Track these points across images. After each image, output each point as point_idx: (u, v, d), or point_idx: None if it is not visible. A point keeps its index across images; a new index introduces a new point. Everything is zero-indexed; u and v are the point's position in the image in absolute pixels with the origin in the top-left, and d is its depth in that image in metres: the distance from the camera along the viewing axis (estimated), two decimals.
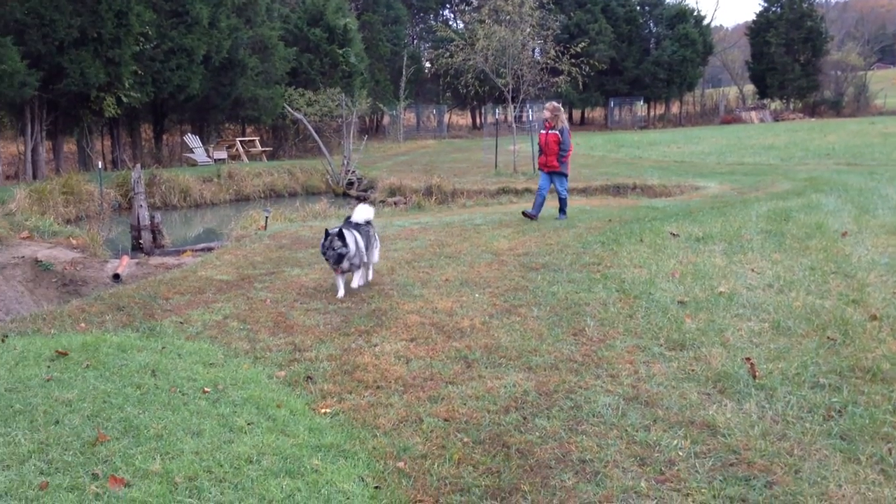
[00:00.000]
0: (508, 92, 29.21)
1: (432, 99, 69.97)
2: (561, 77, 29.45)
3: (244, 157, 37.38)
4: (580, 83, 30.86)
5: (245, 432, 5.19)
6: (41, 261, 13.95)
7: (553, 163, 14.70)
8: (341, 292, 9.11)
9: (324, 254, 8.93)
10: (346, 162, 31.36)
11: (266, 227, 16.22)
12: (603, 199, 21.42)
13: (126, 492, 4.23)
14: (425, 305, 8.59)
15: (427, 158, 36.27)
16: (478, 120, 71.73)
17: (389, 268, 10.66)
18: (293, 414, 5.59)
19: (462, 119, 77.33)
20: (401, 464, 4.82)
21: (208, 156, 35.48)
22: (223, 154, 36.28)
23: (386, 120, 60.72)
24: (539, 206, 14.99)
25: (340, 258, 8.83)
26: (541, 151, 15.07)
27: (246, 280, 10.49)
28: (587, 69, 29.73)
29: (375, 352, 7.08)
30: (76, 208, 22.18)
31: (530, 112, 39.76)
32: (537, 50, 31.70)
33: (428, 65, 63.71)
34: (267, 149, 40.33)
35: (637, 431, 5.22)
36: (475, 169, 29.12)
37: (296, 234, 14.76)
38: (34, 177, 27.58)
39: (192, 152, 35.29)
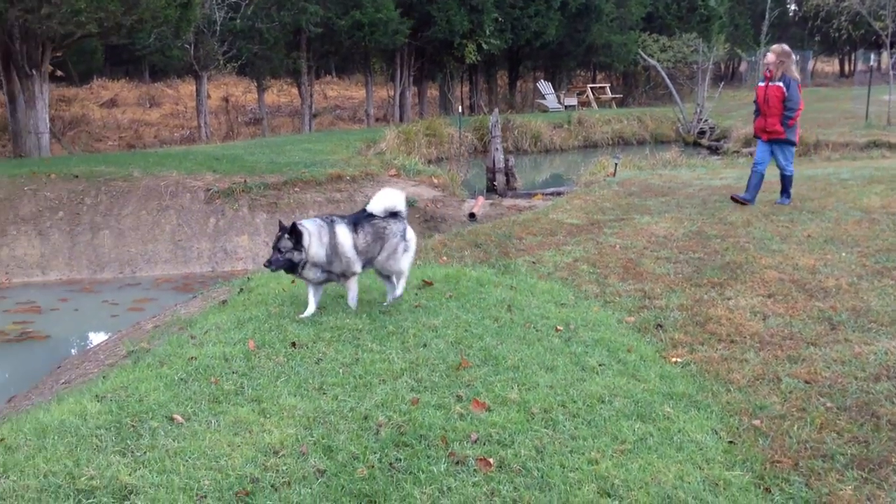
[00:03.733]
0: (887, 36, 26.43)
1: (796, 44, 65.01)
2: None
3: (594, 104, 37.51)
4: None
5: (596, 372, 5.27)
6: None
7: (776, 126, 11.07)
8: (310, 310, 6.39)
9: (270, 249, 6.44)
10: (698, 110, 30.33)
11: (615, 173, 16.20)
12: None
13: (487, 416, 4.49)
14: (784, 261, 8.13)
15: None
16: (846, 67, 65.90)
17: (745, 220, 10.22)
18: (643, 360, 5.58)
19: (828, 66, 71.46)
20: (756, 422, 4.64)
21: (559, 102, 36.08)
22: (573, 100, 36.70)
23: (743, 66, 57.67)
24: (755, 186, 11.56)
25: (290, 265, 6.15)
26: (757, 111, 11.41)
27: (595, 225, 10.58)
28: None
29: (729, 305, 6.84)
30: (437, 150, 23.60)
31: None
32: None
33: (794, 7, 59.43)
34: (617, 96, 40.16)
35: None
36: (842, 120, 26.83)
37: (645, 182, 14.59)
38: (401, 119, 29.87)
39: (544, 98, 36.06)
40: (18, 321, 9.97)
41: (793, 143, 11.27)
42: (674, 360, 5.64)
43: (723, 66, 54.73)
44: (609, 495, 3.71)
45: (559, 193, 15.62)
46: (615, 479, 3.83)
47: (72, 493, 3.57)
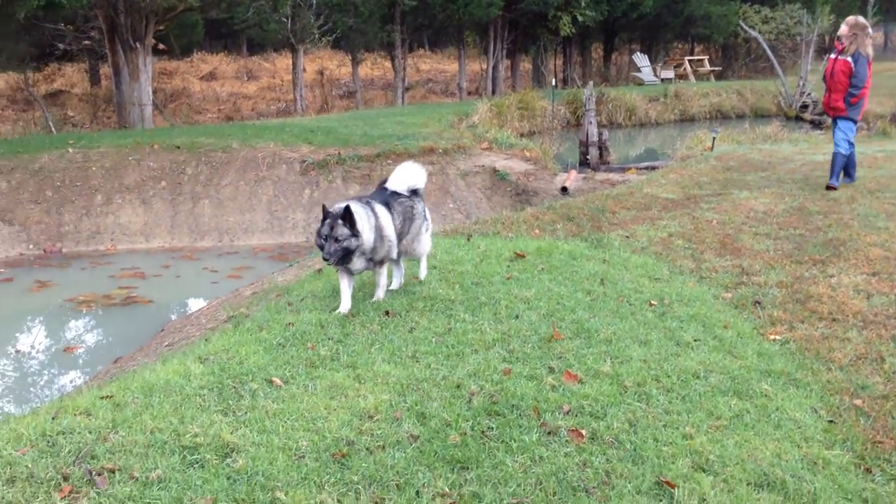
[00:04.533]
0: None
1: None
2: None
3: (691, 77, 36.63)
4: None
5: (691, 348, 5.20)
6: (498, 170, 15.06)
7: (838, 103, 10.37)
8: (345, 305, 5.80)
9: (319, 246, 5.61)
10: (801, 83, 29.32)
11: (713, 147, 15.84)
12: None
13: (579, 387, 4.48)
14: (890, 239, 7.85)
15: (894, 82, 32.63)
16: None
17: (849, 196, 9.89)
18: (740, 336, 5.48)
19: None
20: (858, 401, 4.52)
21: (655, 75, 35.34)
22: (670, 73, 35.90)
23: None
24: (839, 168, 10.61)
25: (346, 254, 5.51)
26: (826, 86, 10.69)
27: (691, 200, 10.39)
28: None
29: (831, 283, 6.65)
30: (529, 123, 23.45)
31: None
32: None
33: None
34: (715, 68, 39.10)
35: None
36: None
37: (744, 157, 14.23)
38: (493, 92, 29.74)
39: (639, 71, 35.38)
40: (123, 286, 10.36)
41: (853, 121, 10.47)
42: (772, 337, 5.53)
43: (827, 39, 52.63)
44: (703, 470, 3.67)
45: (654, 168, 15.36)
46: (710, 455, 3.79)
47: (177, 449, 3.71)
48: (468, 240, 8.07)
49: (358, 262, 5.67)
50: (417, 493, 3.41)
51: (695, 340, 5.33)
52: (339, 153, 14.66)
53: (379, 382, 4.55)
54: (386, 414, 4.15)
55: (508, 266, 6.99)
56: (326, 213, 5.51)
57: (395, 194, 6.02)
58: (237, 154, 14.39)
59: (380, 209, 5.78)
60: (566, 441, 3.87)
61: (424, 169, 6.34)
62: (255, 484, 3.44)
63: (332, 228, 5.44)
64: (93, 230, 12.75)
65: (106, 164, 13.68)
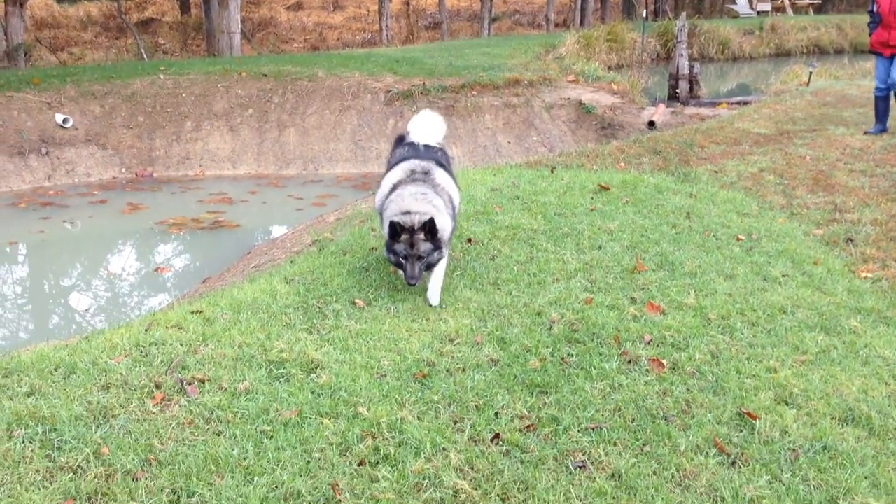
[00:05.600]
0: None
1: None
2: None
3: (789, 10, 35.16)
4: None
5: (779, 283, 5.09)
6: (584, 103, 14.80)
7: None
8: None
9: (395, 264, 4.64)
10: None
11: (808, 83, 15.27)
12: None
13: (661, 319, 4.44)
14: None
15: None
16: None
17: None
18: (830, 273, 5.33)
19: None
20: None
21: (751, 7, 34.03)
22: (766, 6, 34.51)
23: None
24: (883, 114, 9.90)
25: (428, 267, 4.59)
26: (876, 21, 9.70)
27: (784, 135, 10.08)
28: None
29: None
30: (618, 56, 22.88)
31: None
32: None
33: None
34: (815, 1, 37.43)
35: None
36: None
37: (842, 93, 13.69)
38: (581, 24, 29.07)
39: (734, 3, 34.12)
40: (212, 210, 10.60)
41: None
42: (864, 274, 5.37)
43: None
44: (787, 403, 3.62)
45: (746, 102, 14.89)
46: (794, 388, 3.73)
47: (264, 363, 3.82)
48: (552, 171, 7.99)
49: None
50: (496, 414, 3.45)
51: (783, 276, 5.21)
52: (424, 83, 14.59)
53: (460, 307, 4.59)
54: (467, 338, 4.19)
55: (592, 198, 6.91)
56: (401, 228, 4.41)
57: (430, 148, 5.10)
58: (323, 83, 14.45)
59: (444, 177, 4.84)
60: (646, 370, 3.86)
61: (439, 117, 5.39)
62: (339, 399, 3.53)
63: (412, 245, 4.42)
64: (182, 155, 13.04)
65: (195, 91, 13.91)
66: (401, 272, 4.63)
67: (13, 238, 9.50)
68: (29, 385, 3.58)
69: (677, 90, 16.94)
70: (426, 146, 5.08)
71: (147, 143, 13.05)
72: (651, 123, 13.75)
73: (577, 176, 7.76)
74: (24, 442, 3.14)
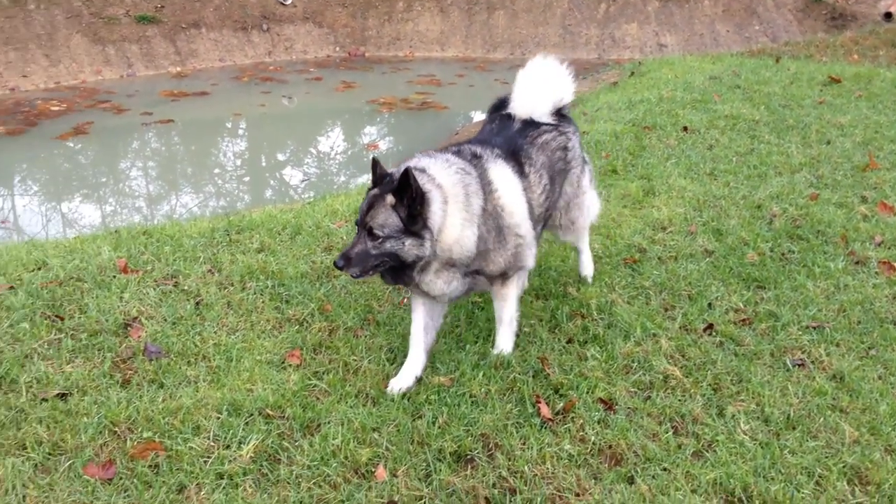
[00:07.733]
0: None
1: None
2: None
3: None
4: None
5: None
6: None
7: None
8: (408, 370, 2.86)
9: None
10: None
11: None
12: None
13: (894, 220, 4.14)
14: None
15: None
16: None
17: None
18: None
19: None
20: None
21: None
22: None
23: None
24: None
25: (388, 266, 2.76)
26: None
27: None
28: None
29: None
30: None
31: None
32: None
33: None
34: None
35: None
36: None
37: None
38: None
39: None
40: (420, 91, 10.74)
41: None
42: None
43: None
44: None
45: None
46: None
47: None
48: (776, 61, 7.53)
49: (438, 280, 2.87)
50: (710, 304, 3.36)
51: None
52: None
53: (673, 196, 4.46)
54: (680, 227, 4.08)
55: (821, 90, 6.47)
56: (372, 171, 2.84)
57: (529, 126, 3.24)
58: None
59: (498, 171, 2.97)
60: (875, 272, 3.62)
61: (567, 73, 3.35)
62: (548, 278, 3.54)
63: (367, 210, 2.73)
64: (393, 36, 13.21)
65: None
66: None
67: (237, 110, 10.03)
68: (259, 242, 3.82)
69: None
70: (523, 123, 3.25)
71: (360, 22, 13.29)
72: (888, 15, 12.58)
73: (804, 67, 7.27)
74: (255, 293, 3.36)
